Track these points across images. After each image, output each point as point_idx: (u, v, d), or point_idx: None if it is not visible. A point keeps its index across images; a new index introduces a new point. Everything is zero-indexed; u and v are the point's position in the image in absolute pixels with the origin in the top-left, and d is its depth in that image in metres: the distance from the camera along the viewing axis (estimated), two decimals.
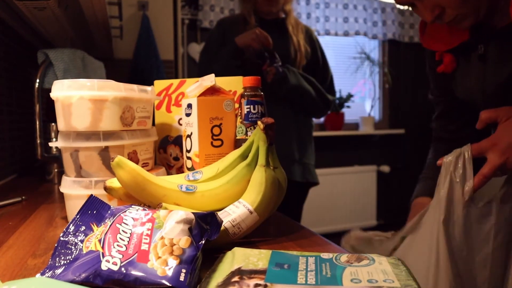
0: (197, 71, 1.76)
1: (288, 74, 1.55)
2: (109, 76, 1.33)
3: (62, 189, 0.72)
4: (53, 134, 1.34)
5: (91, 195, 0.55)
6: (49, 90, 0.73)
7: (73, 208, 0.71)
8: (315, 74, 1.68)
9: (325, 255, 0.47)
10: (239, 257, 0.47)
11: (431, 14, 0.74)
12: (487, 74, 0.79)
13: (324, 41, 3.23)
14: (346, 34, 3.43)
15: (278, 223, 0.73)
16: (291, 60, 1.63)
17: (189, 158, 0.77)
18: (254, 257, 0.47)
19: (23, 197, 0.96)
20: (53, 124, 1.34)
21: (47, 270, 0.46)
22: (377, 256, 0.46)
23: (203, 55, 1.73)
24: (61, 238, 0.49)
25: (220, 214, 0.58)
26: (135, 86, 0.74)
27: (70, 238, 0.50)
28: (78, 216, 0.52)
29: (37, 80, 1.30)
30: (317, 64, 1.72)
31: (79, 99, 0.69)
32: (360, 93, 3.72)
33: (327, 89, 1.71)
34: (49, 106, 1.46)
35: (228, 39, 1.62)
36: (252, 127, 0.73)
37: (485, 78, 0.80)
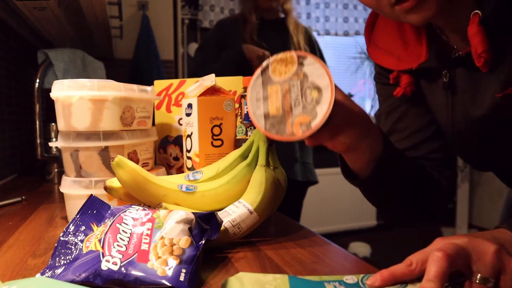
0: (190, 67, 1.77)
1: None
2: (109, 76, 1.33)
3: (62, 189, 0.72)
4: (53, 134, 1.34)
5: (91, 195, 0.55)
6: (49, 90, 0.73)
7: (73, 208, 0.71)
8: None
9: (349, 279, 0.43)
10: (250, 286, 0.41)
11: None
12: (457, 108, 0.65)
13: (324, 41, 3.23)
14: (346, 34, 3.43)
15: (278, 223, 0.73)
16: None
17: (189, 158, 0.77)
18: (270, 285, 0.41)
19: (23, 197, 0.96)
20: (53, 124, 1.34)
21: (47, 270, 0.46)
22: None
23: (199, 53, 1.73)
24: (61, 238, 0.49)
25: (220, 214, 0.58)
26: (135, 86, 0.74)
27: (70, 238, 0.50)
28: (78, 216, 0.52)
29: (37, 80, 1.30)
30: None
31: (79, 99, 0.69)
32: (360, 93, 3.72)
33: None
34: (49, 106, 1.46)
35: (230, 40, 1.63)
36: (252, 127, 0.73)
37: (454, 111, 0.66)
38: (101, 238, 0.46)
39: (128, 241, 0.46)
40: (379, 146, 0.61)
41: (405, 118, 0.73)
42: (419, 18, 0.55)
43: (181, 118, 0.90)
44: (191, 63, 2.96)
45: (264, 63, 0.51)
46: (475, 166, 0.76)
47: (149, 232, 0.47)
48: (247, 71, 1.54)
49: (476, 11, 0.55)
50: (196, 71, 1.67)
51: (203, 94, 0.74)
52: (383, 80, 0.75)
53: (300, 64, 0.49)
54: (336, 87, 0.51)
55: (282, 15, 1.69)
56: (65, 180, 0.72)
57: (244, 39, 1.61)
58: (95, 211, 0.53)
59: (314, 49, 1.73)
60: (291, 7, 1.70)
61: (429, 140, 0.72)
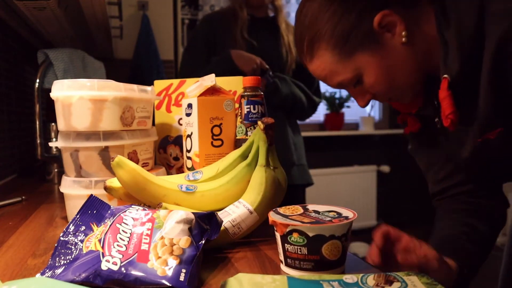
0: (179, 71, 1.68)
1: (280, 84, 1.52)
2: (109, 76, 1.33)
3: (62, 189, 0.72)
4: (53, 134, 1.34)
5: (91, 195, 0.55)
6: (49, 90, 0.73)
7: (73, 208, 0.71)
8: (303, 75, 1.62)
9: (348, 278, 0.43)
10: (249, 287, 0.41)
11: (363, 99, 0.72)
12: (453, 150, 0.73)
13: None
14: None
15: None
16: (283, 63, 1.58)
17: (189, 158, 0.77)
18: (269, 287, 0.41)
19: (23, 197, 0.96)
20: (53, 124, 1.34)
21: (47, 270, 0.46)
22: (406, 276, 0.43)
23: (186, 55, 1.63)
24: (61, 238, 0.49)
25: (220, 214, 0.58)
26: (135, 86, 0.74)
27: (70, 238, 0.50)
28: (78, 216, 0.52)
29: (37, 80, 1.30)
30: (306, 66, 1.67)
31: (79, 99, 0.69)
32: None
33: (314, 91, 1.68)
34: (49, 106, 1.46)
35: (218, 37, 1.55)
36: (252, 127, 0.73)
37: (453, 152, 0.74)
38: (101, 238, 0.46)
39: (128, 241, 0.46)
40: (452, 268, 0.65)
41: (426, 153, 0.83)
42: (402, 102, 0.72)
43: (181, 118, 0.90)
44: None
45: None
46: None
47: (149, 232, 0.47)
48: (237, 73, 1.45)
49: (445, 75, 0.62)
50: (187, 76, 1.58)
51: (203, 94, 0.74)
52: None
53: None
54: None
55: (272, 14, 1.63)
56: (65, 180, 0.72)
57: (234, 37, 1.52)
58: (95, 211, 0.53)
59: None
60: (282, 3, 1.63)
61: (455, 172, 0.79)
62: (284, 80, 1.56)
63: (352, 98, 3.43)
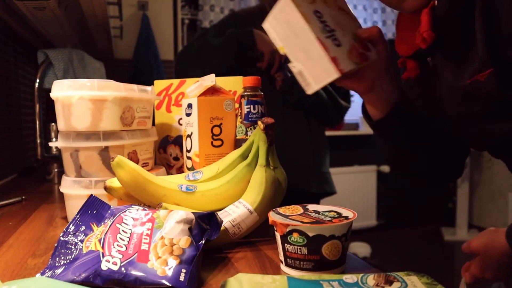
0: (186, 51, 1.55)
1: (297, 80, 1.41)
2: (109, 76, 1.33)
3: (62, 189, 0.72)
4: (53, 134, 1.34)
5: (91, 195, 0.55)
6: (49, 90, 0.73)
7: (73, 208, 0.71)
8: None
9: (348, 278, 0.43)
10: (249, 287, 0.41)
11: None
12: (444, 94, 0.68)
13: None
14: None
15: None
16: None
17: (189, 158, 0.77)
18: (269, 287, 0.41)
19: (23, 197, 0.96)
20: (53, 124, 1.34)
21: (47, 270, 0.46)
22: (406, 276, 0.42)
23: (202, 32, 1.50)
24: (61, 238, 0.49)
25: (220, 214, 0.58)
26: (135, 86, 0.74)
27: (70, 238, 0.50)
28: (78, 216, 0.52)
29: (37, 80, 1.30)
30: None
31: (79, 99, 0.69)
32: None
33: (342, 95, 1.57)
34: (49, 106, 1.46)
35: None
36: (252, 127, 0.73)
37: (442, 98, 0.69)
38: (101, 238, 0.46)
39: (128, 241, 0.46)
40: (395, 92, 0.67)
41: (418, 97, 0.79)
42: (412, 5, 0.64)
43: (181, 118, 0.90)
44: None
45: None
46: (478, 148, 0.77)
47: (149, 232, 0.47)
48: (247, 61, 1.36)
49: None
50: (191, 43, 1.45)
51: (203, 94, 0.74)
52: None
53: None
54: None
55: None
56: (65, 180, 0.72)
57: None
58: (95, 211, 0.53)
59: None
60: None
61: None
62: None
63: (352, 98, 3.43)
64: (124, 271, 0.43)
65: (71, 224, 0.51)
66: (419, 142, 0.73)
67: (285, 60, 1.37)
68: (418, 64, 0.73)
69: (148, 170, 0.75)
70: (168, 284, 0.42)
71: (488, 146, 0.72)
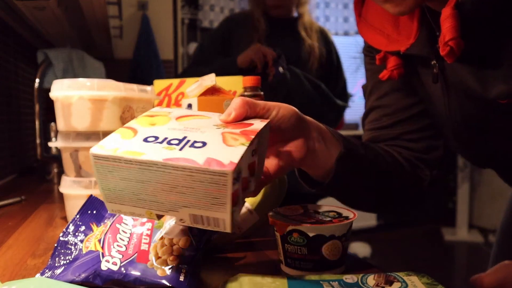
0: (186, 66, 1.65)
1: (289, 76, 1.45)
2: (109, 76, 1.33)
3: (61, 189, 0.72)
4: (53, 134, 1.34)
5: (91, 195, 0.54)
6: (49, 90, 0.73)
7: (72, 208, 0.71)
8: (327, 77, 1.57)
9: (348, 278, 0.43)
10: None
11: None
12: (451, 103, 0.57)
13: None
14: (346, 33, 3.43)
15: None
16: (302, 63, 1.52)
17: None
18: (268, 287, 0.40)
19: (23, 197, 0.95)
20: (53, 124, 1.34)
21: (47, 270, 0.46)
22: (406, 276, 0.42)
23: (198, 51, 1.59)
24: (61, 238, 0.49)
25: None
26: (135, 86, 0.74)
27: (70, 238, 0.49)
28: (78, 216, 0.52)
29: (37, 80, 1.30)
30: (331, 67, 1.62)
31: (79, 99, 0.69)
32: (360, 92, 3.72)
33: (338, 94, 1.60)
34: (49, 106, 1.46)
35: (236, 37, 1.52)
36: None
37: (449, 106, 0.58)
38: (101, 238, 0.46)
39: (128, 241, 0.46)
40: (336, 147, 0.55)
41: (390, 95, 0.67)
42: (394, 10, 0.49)
43: None
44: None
45: None
46: (474, 163, 0.73)
47: (149, 232, 0.47)
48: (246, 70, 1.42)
49: None
50: (186, 71, 1.55)
51: (203, 94, 0.74)
52: (373, 53, 0.66)
53: None
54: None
55: (295, 15, 1.58)
56: (65, 180, 0.72)
57: (252, 38, 1.48)
58: (94, 211, 0.53)
59: (331, 51, 1.63)
60: (307, 10, 1.58)
61: (411, 120, 0.66)
62: (296, 74, 1.48)
63: (352, 98, 3.42)
64: (124, 271, 0.43)
65: (71, 224, 0.51)
66: (372, 186, 0.63)
67: (278, 57, 1.44)
68: (402, 62, 0.59)
69: None
70: (168, 284, 0.42)
71: (490, 162, 0.67)
